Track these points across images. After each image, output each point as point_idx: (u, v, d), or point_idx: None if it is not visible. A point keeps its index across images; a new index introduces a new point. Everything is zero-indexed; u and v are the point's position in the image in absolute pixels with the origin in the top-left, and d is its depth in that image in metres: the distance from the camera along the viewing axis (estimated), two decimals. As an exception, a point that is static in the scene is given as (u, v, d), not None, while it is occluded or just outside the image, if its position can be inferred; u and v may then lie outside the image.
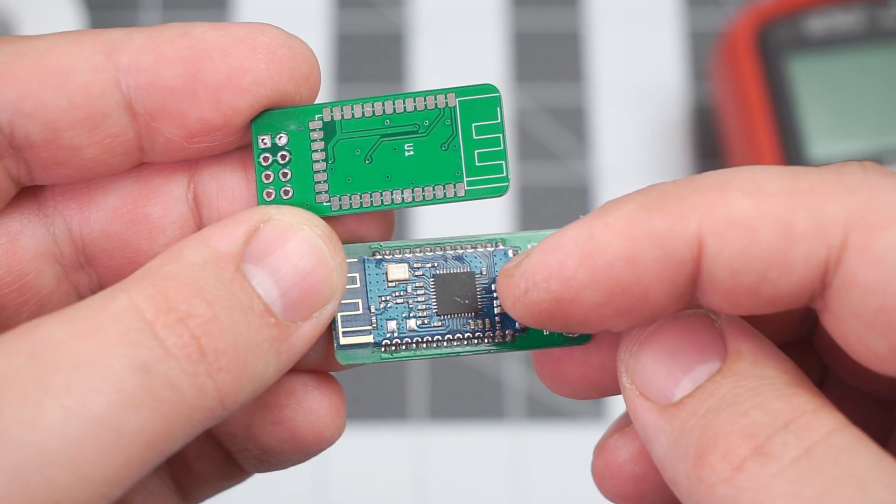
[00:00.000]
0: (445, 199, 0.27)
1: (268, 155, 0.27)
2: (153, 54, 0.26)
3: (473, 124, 0.27)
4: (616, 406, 0.54)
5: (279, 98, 0.27)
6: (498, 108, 0.27)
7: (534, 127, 0.59)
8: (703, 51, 0.60)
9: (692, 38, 0.61)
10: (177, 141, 0.26)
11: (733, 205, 0.24)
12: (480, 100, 0.27)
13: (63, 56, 0.26)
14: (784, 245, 0.23)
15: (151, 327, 0.23)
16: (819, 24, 0.54)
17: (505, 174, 0.27)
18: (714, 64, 0.57)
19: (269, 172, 0.27)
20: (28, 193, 0.28)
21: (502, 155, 0.27)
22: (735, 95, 0.54)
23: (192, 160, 0.28)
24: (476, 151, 0.27)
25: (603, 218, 0.25)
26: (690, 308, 0.26)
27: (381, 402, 0.54)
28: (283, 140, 0.27)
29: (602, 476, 0.28)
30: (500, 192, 0.27)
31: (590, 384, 0.28)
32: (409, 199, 0.27)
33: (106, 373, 0.22)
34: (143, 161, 0.27)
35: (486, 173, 0.27)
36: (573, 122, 0.59)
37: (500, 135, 0.27)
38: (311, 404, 0.27)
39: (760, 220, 0.23)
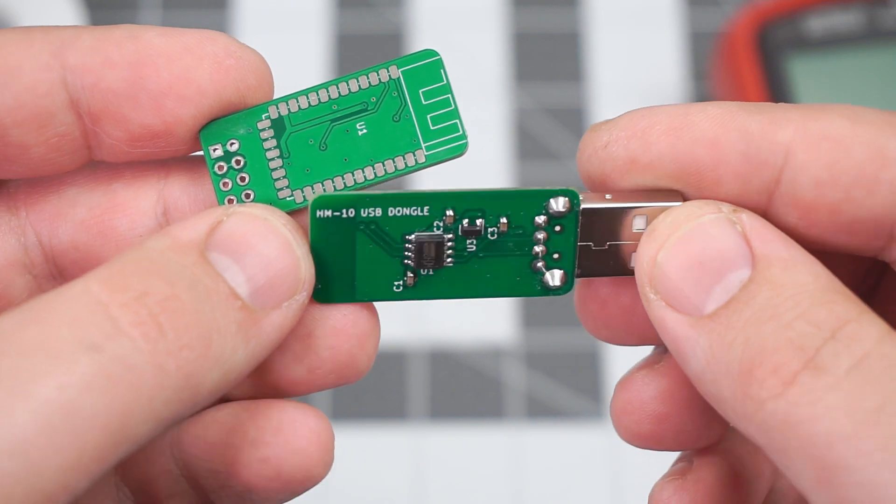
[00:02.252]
0: (407, 169, 0.27)
1: (222, 164, 0.27)
2: (100, 56, 0.26)
3: (421, 90, 0.27)
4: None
5: (223, 108, 0.27)
6: (441, 70, 0.27)
7: (533, 127, 0.59)
8: (703, 51, 0.60)
9: (692, 38, 0.61)
10: (119, 145, 0.26)
11: (830, 122, 0.24)
12: (423, 66, 0.27)
13: (10, 54, 0.26)
14: (875, 166, 0.24)
15: (105, 308, 0.22)
16: (819, 24, 0.54)
17: (462, 132, 0.27)
18: (714, 64, 0.57)
19: (226, 180, 0.27)
20: (1, 203, 0.28)
21: (455, 114, 0.27)
22: (735, 95, 0.54)
23: (161, 173, 0.28)
24: (428, 116, 0.27)
25: (701, 105, 0.25)
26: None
27: (380, 402, 0.54)
28: (234, 146, 0.27)
29: (623, 412, 0.27)
30: (459, 151, 0.27)
31: (632, 328, 0.28)
32: (372, 177, 0.27)
33: (54, 355, 0.21)
34: (92, 160, 0.27)
35: (442, 135, 0.27)
36: (573, 122, 0.59)
37: (449, 95, 0.27)
38: (300, 442, 0.27)
39: (854, 139, 0.24)
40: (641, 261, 0.25)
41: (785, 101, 0.52)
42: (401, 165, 0.27)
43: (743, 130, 0.25)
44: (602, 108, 0.59)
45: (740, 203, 0.25)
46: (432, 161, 0.27)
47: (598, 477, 0.53)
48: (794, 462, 0.22)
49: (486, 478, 0.53)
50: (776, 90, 0.53)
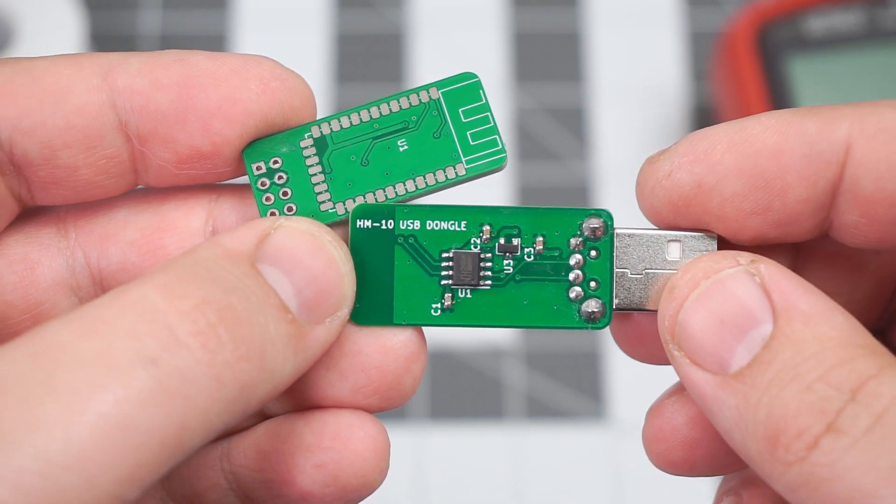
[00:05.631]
0: (448, 182, 0.28)
1: (265, 180, 0.27)
2: (148, 78, 0.26)
3: (460, 109, 0.28)
4: (617, 406, 0.54)
5: (268, 129, 0.27)
6: (480, 91, 0.28)
7: (534, 127, 0.59)
8: (703, 51, 0.60)
9: (692, 38, 0.61)
10: (166, 166, 0.27)
11: (884, 115, 0.25)
12: (462, 87, 0.28)
13: (61, 76, 0.26)
14: None
15: (164, 316, 0.22)
16: (819, 24, 0.54)
17: (501, 146, 0.28)
18: (714, 64, 0.57)
19: (269, 195, 0.27)
20: (50, 224, 0.28)
21: (494, 130, 0.28)
22: (735, 95, 0.54)
23: (213, 195, 0.28)
24: (468, 132, 0.28)
25: (754, 117, 0.26)
26: (822, 234, 0.26)
27: (381, 402, 0.54)
28: (277, 164, 0.27)
29: (655, 439, 0.28)
30: (499, 164, 0.28)
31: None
32: (413, 189, 0.27)
33: (111, 369, 0.21)
34: (137, 184, 0.27)
35: (482, 149, 0.28)
36: (573, 122, 0.59)
37: (488, 113, 0.28)
38: (357, 446, 0.27)
39: None
40: (663, 318, 0.26)
41: (785, 102, 0.53)
42: (441, 178, 0.27)
43: (802, 134, 0.25)
44: (602, 108, 0.59)
45: (809, 205, 0.25)
46: (472, 174, 0.27)
47: (598, 477, 0.53)
48: None
49: (486, 478, 0.53)
50: (776, 90, 0.53)
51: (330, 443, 0.27)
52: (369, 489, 0.27)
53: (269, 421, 0.28)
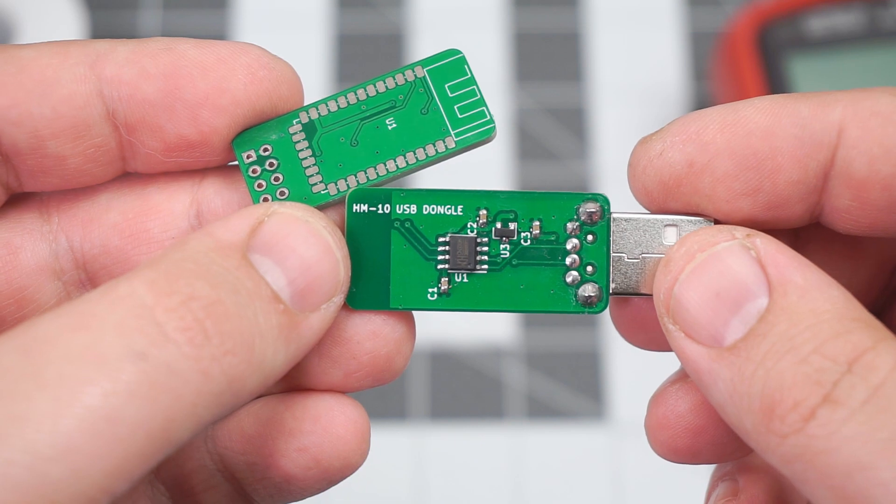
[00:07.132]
0: (438, 155, 0.28)
1: (256, 167, 0.27)
2: (136, 68, 0.26)
3: (446, 84, 0.28)
4: (617, 406, 0.54)
5: (256, 118, 0.27)
6: (465, 66, 0.28)
7: (534, 127, 0.59)
8: (703, 51, 0.60)
9: (692, 38, 0.61)
10: (154, 155, 0.27)
11: (879, 99, 0.25)
12: (447, 63, 0.28)
13: (48, 66, 0.26)
14: None
15: (151, 312, 0.23)
16: (819, 24, 0.54)
17: (489, 117, 0.28)
18: (714, 64, 0.57)
19: (260, 181, 0.27)
20: (32, 209, 0.28)
21: (481, 102, 0.28)
22: (735, 96, 0.54)
23: (196, 178, 0.28)
24: (455, 106, 0.28)
25: (748, 100, 0.26)
26: (814, 220, 0.26)
27: (381, 402, 0.54)
28: (267, 151, 0.27)
29: (659, 426, 0.27)
30: (488, 135, 0.28)
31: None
32: (404, 165, 0.28)
33: (100, 363, 0.22)
34: (126, 171, 0.27)
35: (470, 122, 0.28)
36: (573, 122, 0.59)
37: (474, 86, 0.28)
38: (338, 429, 0.27)
39: None
40: (658, 292, 0.26)
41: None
42: (431, 152, 0.28)
43: (794, 115, 0.25)
44: (602, 108, 0.59)
45: (799, 188, 0.25)
46: (462, 146, 0.28)
47: (598, 477, 0.53)
48: (815, 491, 0.22)
49: (486, 478, 0.53)
50: (776, 90, 0.53)
51: (311, 427, 0.27)
52: (350, 470, 0.27)
53: (252, 403, 0.28)
